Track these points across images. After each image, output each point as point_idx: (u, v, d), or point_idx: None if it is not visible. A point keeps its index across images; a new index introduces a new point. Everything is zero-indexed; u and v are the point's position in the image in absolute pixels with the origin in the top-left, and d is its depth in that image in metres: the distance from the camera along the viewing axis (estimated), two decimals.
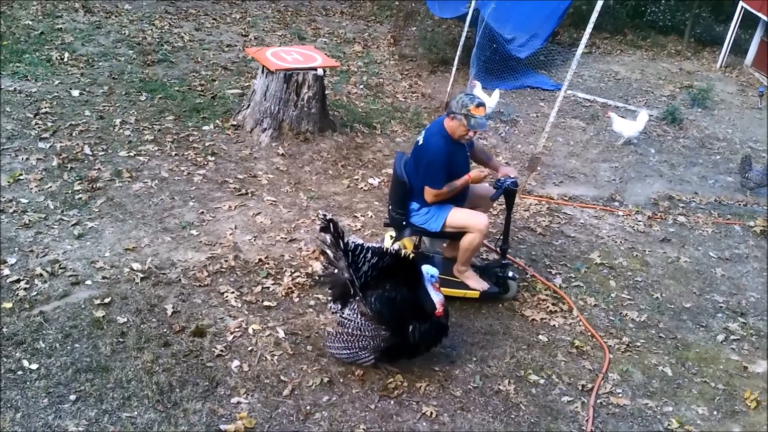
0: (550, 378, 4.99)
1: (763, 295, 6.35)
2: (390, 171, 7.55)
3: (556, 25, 12.08)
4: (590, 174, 8.34)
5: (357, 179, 7.29)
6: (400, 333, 4.56)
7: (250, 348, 4.79)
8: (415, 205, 5.41)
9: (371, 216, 6.65)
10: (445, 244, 5.84)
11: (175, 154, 7.14)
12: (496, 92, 9.21)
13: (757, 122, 10.98)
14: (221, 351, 4.71)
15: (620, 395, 4.95)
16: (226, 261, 5.63)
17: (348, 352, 4.62)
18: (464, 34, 9.63)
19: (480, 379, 4.85)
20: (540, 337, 5.40)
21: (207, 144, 7.45)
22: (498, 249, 5.76)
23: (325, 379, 4.61)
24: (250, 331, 4.93)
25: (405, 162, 5.46)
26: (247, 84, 9.04)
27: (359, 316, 4.56)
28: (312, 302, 5.35)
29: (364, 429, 4.29)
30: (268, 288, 5.41)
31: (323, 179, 7.19)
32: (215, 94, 8.72)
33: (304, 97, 7.66)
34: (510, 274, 5.65)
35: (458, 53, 9.52)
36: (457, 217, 5.34)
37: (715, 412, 4.94)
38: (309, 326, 5.09)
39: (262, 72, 7.74)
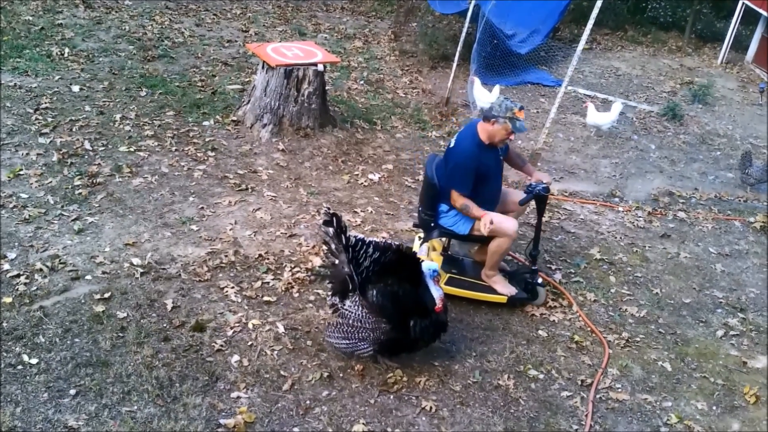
0: (550, 373, 5.00)
1: (762, 291, 6.35)
2: (390, 167, 7.56)
3: (556, 21, 12.07)
4: (590, 170, 8.34)
5: (357, 175, 7.29)
6: (400, 327, 4.57)
7: (249, 343, 4.79)
8: (444, 207, 5.41)
9: (371, 211, 6.65)
10: (475, 248, 5.81)
11: (176, 150, 7.14)
12: (496, 88, 9.20)
13: (758, 118, 10.97)
14: (221, 346, 4.72)
15: (620, 390, 4.95)
16: (226, 256, 5.63)
17: (347, 342, 4.62)
18: (465, 30, 9.62)
19: (479, 374, 4.86)
20: (539, 332, 5.40)
21: (207, 139, 7.45)
22: (528, 255, 5.69)
23: (325, 374, 4.62)
24: (250, 326, 4.94)
25: (437, 164, 5.45)
26: (248, 79, 9.04)
27: (360, 308, 4.56)
28: (312, 297, 5.35)
29: (363, 423, 4.29)
30: (268, 283, 5.42)
31: (323, 175, 7.19)
32: (215, 89, 8.72)
33: (305, 93, 7.65)
34: (539, 280, 5.62)
35: (459, 49, 9.52)
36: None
37: (714, 408, 4.95)
38: (309, 321, 5.09)
39: (263, 68, 7.73)
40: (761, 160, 8.81)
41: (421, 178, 7.42)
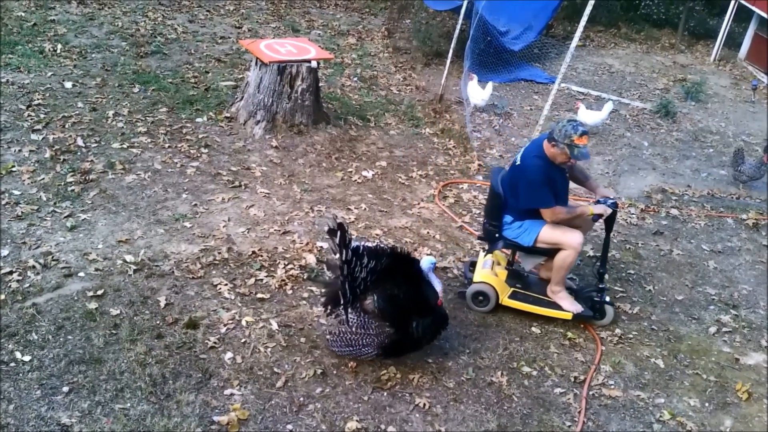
0: (543, 370, 5.01)
1: (755, 288, 6.38)
2: (383, 164, 7.56)
3: (550, 17, 12.08)
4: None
5: (351, 172, 7.29)
6: (403, 329, 4.59)
7: (243, 340, 4.79)
8: (508, 218, 5.37)
9: (365, 208, 6.65)
10: (542, 261, 5.69)
11: (168, 146, 7.12)
12: (489, 85, 9.21)
13: (750, 116, 11.01)
14: (214, 343, 4.71)
15: (612, 387, 4.97)
16: (219, 253, 5.62)
17: (350, 349, 4.65)
18: (458, 26, 9.62)
19: (473, 370, 4.87)
20: (533, 329, 5.42)
21: (200, 136, 7.43)
22: (595, 273, 5.62)
23: (319, 371, 4.62)
24: (244, 323, 4.94)
25: (501, 176, 5.43)
26: (241, 76, 9.02)
27: (362, 314, 4.59)
28: (305, 294, 5.35)
29: (357, 420, 4.30)
30: (262, 280, 5.41)
31: (317, 172, 7.18)
32: (209, 86, 8.70)
33: (298, 90, 7.64)
34: (607, 298, 5.53)
35: (452, 46, 9.52)
36: (551, 232, 5.25)
37: (707, 404, 4.97)
38: (302, 318, 5.09)
39: (256, 64, 7.71)
40: (753, 157, 8.84)
41: (414, 174, 7.44)
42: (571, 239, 5.20)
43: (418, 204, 6.94)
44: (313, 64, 7.68)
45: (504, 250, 5.69)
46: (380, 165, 7.53)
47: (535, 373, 4.97)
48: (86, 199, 6.04)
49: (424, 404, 4.50)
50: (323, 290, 4.72)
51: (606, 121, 9.25)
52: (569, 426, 4.57)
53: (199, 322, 4.87)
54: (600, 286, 5.48)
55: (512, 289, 5.54)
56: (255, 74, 7.72)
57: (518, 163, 5.28)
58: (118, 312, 4.83)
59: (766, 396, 5.10)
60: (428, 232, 6.47)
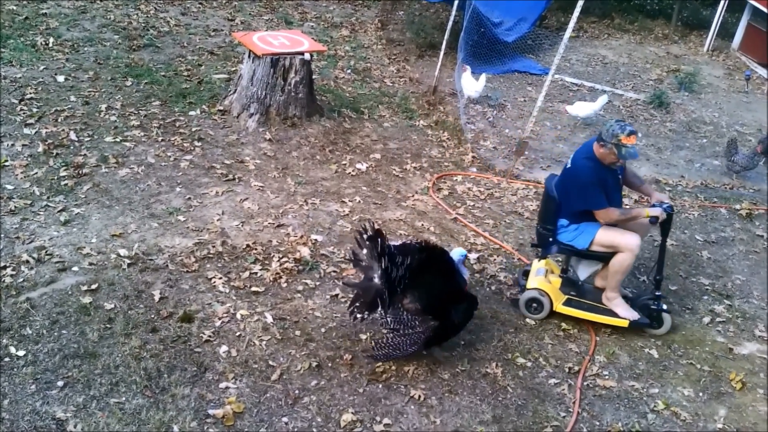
0: (537, 361, 5.03)
1: (748, 278, 6.41)
2: (378, 156, 7.56)
3: (543, 8, 12.05)
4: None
5: (345, 164, 7.28)
6: (445, 319, 4.67)
7: (238, 333, 4.79)
8: (563, 222, 5.35)
9: (359, 201, 6.65)
10: (597, 268, 5.58)
11: (162, 140, 7.09)
12: (483, 77, 9.19)
13: (744, 106, 11.03)
14: (209, 336, 4.71)
15: (607, 377, 4.99)
16: (213, 247, 5.62)
17: (399, 352, 4.67)
18: (452, 18, 9.59)
19: (468, 362, 4.88)
20: (527, 320, 5.43)
21: (193, 129, 7.41)
22: (652, 280, 5.57)
23: (314, 364, 4.63)
24: (238, 316, 4.94)
25: (555, 181, 5.44)
26: (234, 69, 8.98)
27: (405, 313, 4.63)
28: (300, 287, 5.35)
29: (352, 413, 4.31)
30: (256, 273, 5.41)
31: (311, 164, 7.17)
32: (201, 79, 8.67)
33: (291, 82, 7.62)
34: (664, 306, 5.48)
35: (446, 37, 9.49)
36: (607, 235, 5.21)
37: (701, 394, 5.00)
38: (297, 311, 5.09)
39: (249, 57, 7.69)
40: (747, 148, 8.86)
41: (408, 167, 7.44)
42: (628, 242, 5.16)
43: (413, 196, 6.94)
44: (307, 56, 7.65)
45: (557, 256, 5.70)
46: (374, 157, 7.52)
47: (529, 364, 4.99)
48: (80, 193, 6.03)
49: (419, 396, 4.52)
50: (356, 294, 4.70)
51: (599, 112, 9.26)
52: (564, 416, 4.59)
53: (194, 316, 4.87)
54: (656, 293, 5.42)
55: (567, 296, 5.50)
56: (248, 67, 7.70)
57: (569, 165, 5.29)
58: (113, 306, 4.82)
59: (760, 386, 5.13)
60: (423, 224, 6.47)
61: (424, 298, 4.62)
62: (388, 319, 4.65)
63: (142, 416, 4.04)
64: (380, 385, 4.57)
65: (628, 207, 5.27)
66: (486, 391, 4.69)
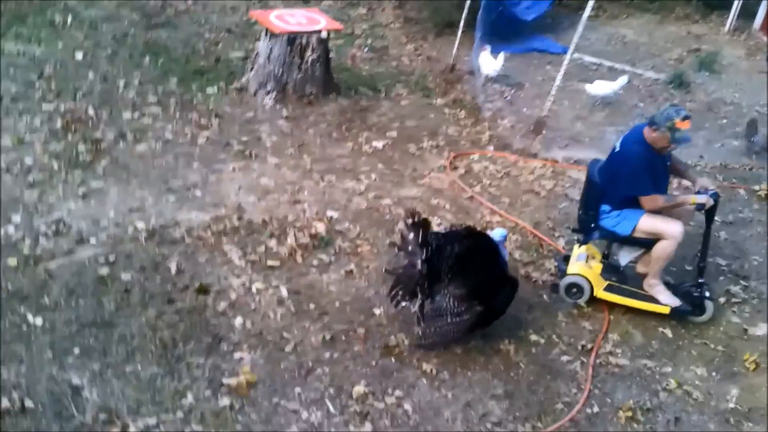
0: (550, 338, 5.04)
1: (766, 259, 6.35)
2: (394, 134, 7.54)
3: None
4: (596, 137, 8.28)
5: (361, 142, 7.28)
6: (489, 303, 4.70)
7: (253, 306, 4.84)
8: (606, 207, 5.31)
9: (375, 178, 6.66)
10: (639, 254, 5.54)
11: (179, 117, 7.13)
12: (501, 55, 9.12)
13: (765, 87, 10.86)
14: (224, 309, 4.77)
15: (620, 356, 4.98)
16: (230, 221, 5.66)
17: (446, 339, 4.72)
18: None
19: (481, 338, 4.89)
20: (542, 297, 5.43)
21: (211, 107, 7.43)
22: (696, 267, 5.53)
23: (327, 337, 4.67)
24: (254, 289, 4.98)
25: (599, 166, 5.41)
26: (251, 47, 8.97)
27: (451, 300, 4.64)
28: (315, 262, 5.38)
29: (364, 385, 4.35)
30: (272, 248, 5.44)
31: (327, 142, 7.18)
32: (219, 57, 8.68)
33: (308, 60, 7.63)
34: (707, 294, 5.46)
35: (464, 15, 9.42)
36: (650, 221, 5.17)
37: (714, 374, 4.98)
38: (312, 285, 5.13)
39: (266, 35, 7.70)
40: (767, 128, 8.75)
41: (425, 145, 7.43)
42: (671, 229, 5.12)
43: (429, 174, 6.94)
44: (323, 34, 7.65)
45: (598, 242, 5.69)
46: (391, 135, 7.51)
47: (542, 341, 4.99)
48: (98, 168, 6.09)
49: (431, 370, 4.55)
50: (395, 280, 4.75)
51: (619, 92, 9.17)
52: (575, 393, 4.60)
53: (210, 288, 4.92)
54: (699, 280, 5.39)
55: (608, 282, 5.47)
56: (265, 45, 7.71)
57: (617, 149, 5.25)
58: (129, 278, 4.89)
59: None
60: (438, 202, 6.48)
61: (470, 284, 4.64)
62: (430, 306, 4.66)
63: (157, 384, 4.11)
64: (393, 359, 4.61)
65: (675, 194, 5.19)
66: (498, 367, 4.71)
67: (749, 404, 4.76)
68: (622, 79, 9.12)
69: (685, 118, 4.95)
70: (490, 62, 9.04)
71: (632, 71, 10.39)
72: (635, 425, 4.47)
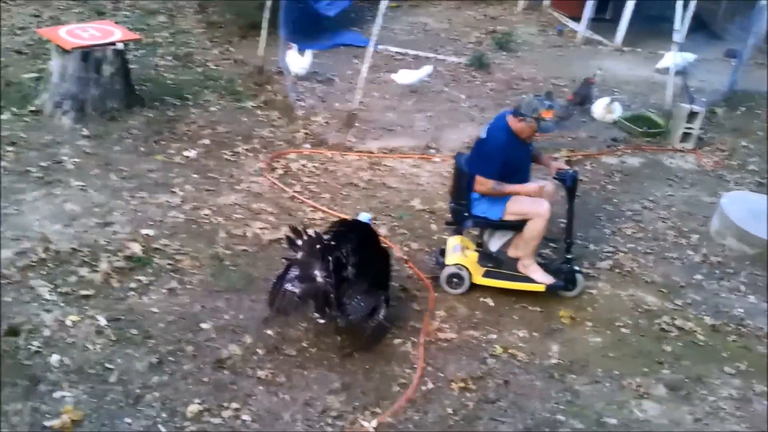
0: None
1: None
2: (207, 141, 7.40)
3: None
4: (407, 125, 8.54)
5: (172, 153, 7.06)
6: (387, 282, 5.03)
7: (69, 340, 4.57)
8: (476, 195, 5.41)
9: (190, 189, 6.49)
10: (509, 238, 5.72)
11: None
12: (309, 53, 9.18)
13: (558, 60, 11.62)
14: (38, 347, 4.47)
15: (447, 330, 5.19)
16: (35, 254, 5.29)
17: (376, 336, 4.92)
18: None
19: (313, 335, 4.92)
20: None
21: (4, 134, 6.92)
22: (563, 243, 5.75)
23: (154, 360, 4.51)
24: (68, 322, 4.70)
25: (465, 157, 5.55)
26: (44, 67, 8.45)
27: (359, 299, 4.80)
28: (133, 285, 5.16)
29: (199, 402, 4.25)
30: (84, 276, 5.15)
31: (135, 157, 6.90)
32: (9, 80, 8.10)
33: (106, 75, 7.31)
34: (576, 268, 5.71)
35: (266, 16, 9.36)
36: (516, 204, 5.38)
37: (535, 333, 5.31)
38: (132, 310, 4.92)
39: (58, 52, 7.28)
40: (562, 98, 9.38)
41: (240, 149, 7.34)
42: (537, 208, 5.37)
43: (247, 179, 6.86)
44: (119, 46, 7.36)
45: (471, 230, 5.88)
46: (203, 143, 7.35)
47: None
48: None
49: (267, 376, 4.53)
50: (307, 297, 4.69)
51: (425, 79, 9.49)
52: (409, 373, 4.75)
53: (20, 329, 4.59)
54: (567, 256, 5.67)
55: (485, 268, 5.64)
56: (58, 63, 7.30)
57: (483, 137, 5.43)
58: None
59: (588, 318, 5.52)
60: (259, 206, 6.43)
61: (369, 275, 4.78)
62: (342, 314, 4.73)
63: None
64: (226, 372, 4.53)
65: (510, 185, 5.38)
66: (333, 360, 4.76)
67: (570, 357, 5.13)
68: (427, 68, 9.46)
69: (549, 107, 5.32)
70: (297, 61, 9.08)
71: (435, 57, 10.79)
72: (468, 394, 4.68)
